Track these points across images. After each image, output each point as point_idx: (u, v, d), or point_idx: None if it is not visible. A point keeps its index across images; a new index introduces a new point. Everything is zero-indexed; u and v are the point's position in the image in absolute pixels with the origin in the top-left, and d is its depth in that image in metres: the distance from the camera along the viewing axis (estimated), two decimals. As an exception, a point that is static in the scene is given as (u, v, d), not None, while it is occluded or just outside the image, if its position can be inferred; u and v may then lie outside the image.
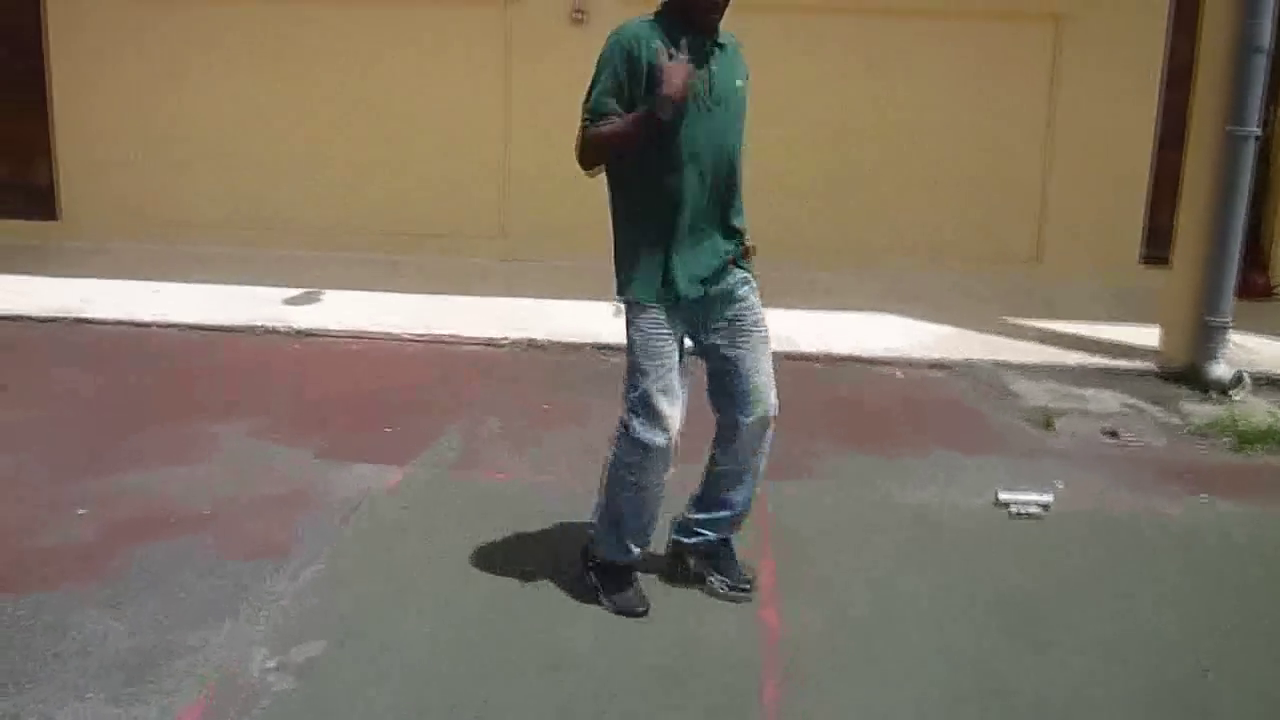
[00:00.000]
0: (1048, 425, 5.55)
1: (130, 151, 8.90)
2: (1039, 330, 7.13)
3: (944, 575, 3.85)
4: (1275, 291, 8.32)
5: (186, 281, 7.72)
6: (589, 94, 3.26)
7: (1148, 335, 6.73)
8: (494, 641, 3.33)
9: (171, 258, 8.30)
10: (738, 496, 3.60)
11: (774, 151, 8.03)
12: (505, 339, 6.62)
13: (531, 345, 6.59)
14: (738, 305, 3.43)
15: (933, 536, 4.15)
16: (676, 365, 3.38)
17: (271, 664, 3.18)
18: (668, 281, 3.31)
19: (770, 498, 4.18)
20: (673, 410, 3.36)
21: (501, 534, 4.04)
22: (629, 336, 3.39)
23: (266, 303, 7.26)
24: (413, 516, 4.20)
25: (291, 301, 7.36)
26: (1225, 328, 6.20)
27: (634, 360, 3.38)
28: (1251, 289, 8.18)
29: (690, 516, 3.68)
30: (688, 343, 3.46)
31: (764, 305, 3.51)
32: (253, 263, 8.26)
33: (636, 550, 3.55)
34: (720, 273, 3.39)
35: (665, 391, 3.34)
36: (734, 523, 3.65)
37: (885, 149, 8.41)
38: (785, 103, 8.19)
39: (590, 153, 3.28)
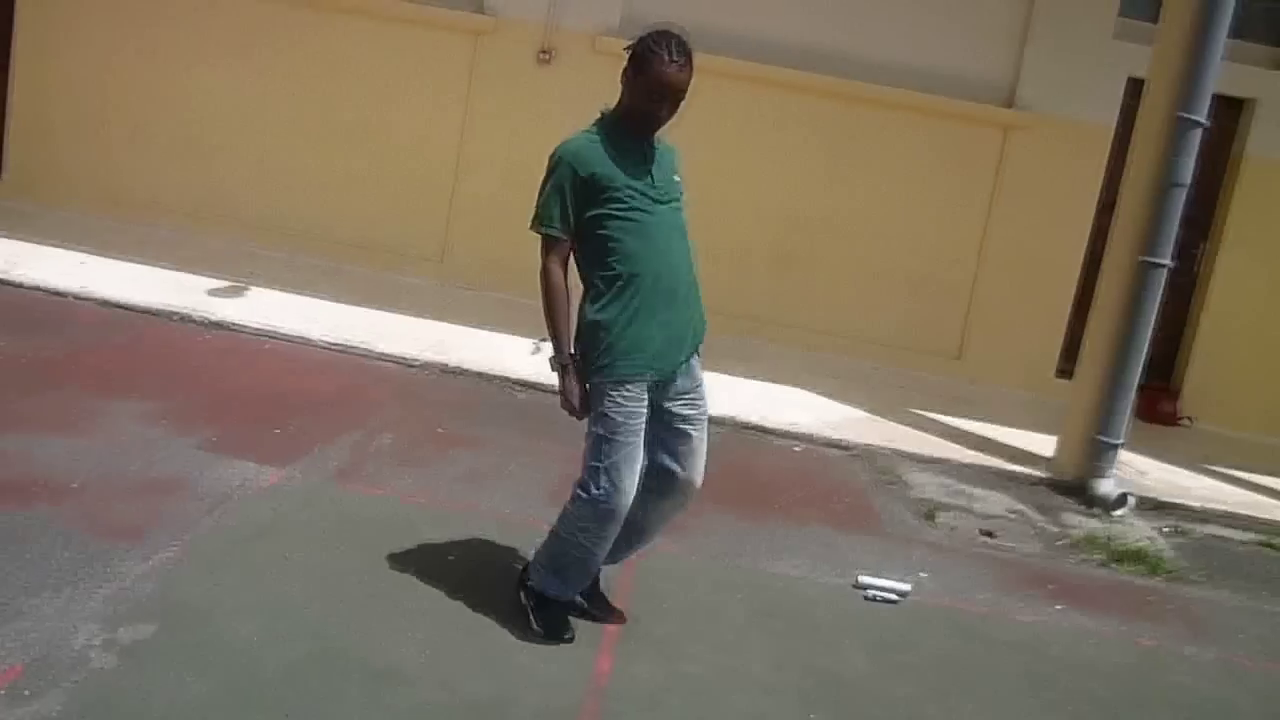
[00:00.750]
0: (929, 517, 5.66)
1: (84, 119, 8.90)
2: (945, 426, 7.28)
3: (786, 647, 3.91)
4: (1181, 421, 8.54)
5: (117, 258, 7.69)
6: (540, 200, 3.50)
7: (1047, 445, 6.89)
8: (323, 650, 3.35)
9: (109, 232, 8.26)
10: (638, 543, 3.80)
11: (725, 217, 8.21)
12: (419, 359, 6.66)
13: (444, 370, 6.63)
14: (694, 374, 3.65)
15: (786, 609, 4.23)
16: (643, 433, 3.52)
17: (97, 641, 3.19)
18: (655, 355, 3.48)
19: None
20: (635, 478, 3.50)
21: (361, 548, 4.07)
22: (606, 414, 3.46)
23: (191, 290, 7.25)
24: (278, 519, 4.21)
25: (216, 293, 7.36)
26: (1116, 448, 6.37)
27: (609, 435, 3.46)
28: (1158, 414, 8.42)
29: None
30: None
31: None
32: (191, 248, 8.25)
33: (577, 594, 3.71)
34: (694, 344, 3.62)
35: (632, 461, 3.48)
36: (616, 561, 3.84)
37: (831, 230, 8.58)
38: (743, 170, 8.39)
39: (544, 293, 3.52)
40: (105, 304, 6.77)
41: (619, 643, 3.72)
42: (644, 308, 3.45)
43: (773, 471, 6.01)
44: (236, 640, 3.32)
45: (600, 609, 3.85)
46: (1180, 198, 6.16)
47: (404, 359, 6.69)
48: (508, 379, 6.61)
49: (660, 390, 3.56)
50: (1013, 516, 5.96)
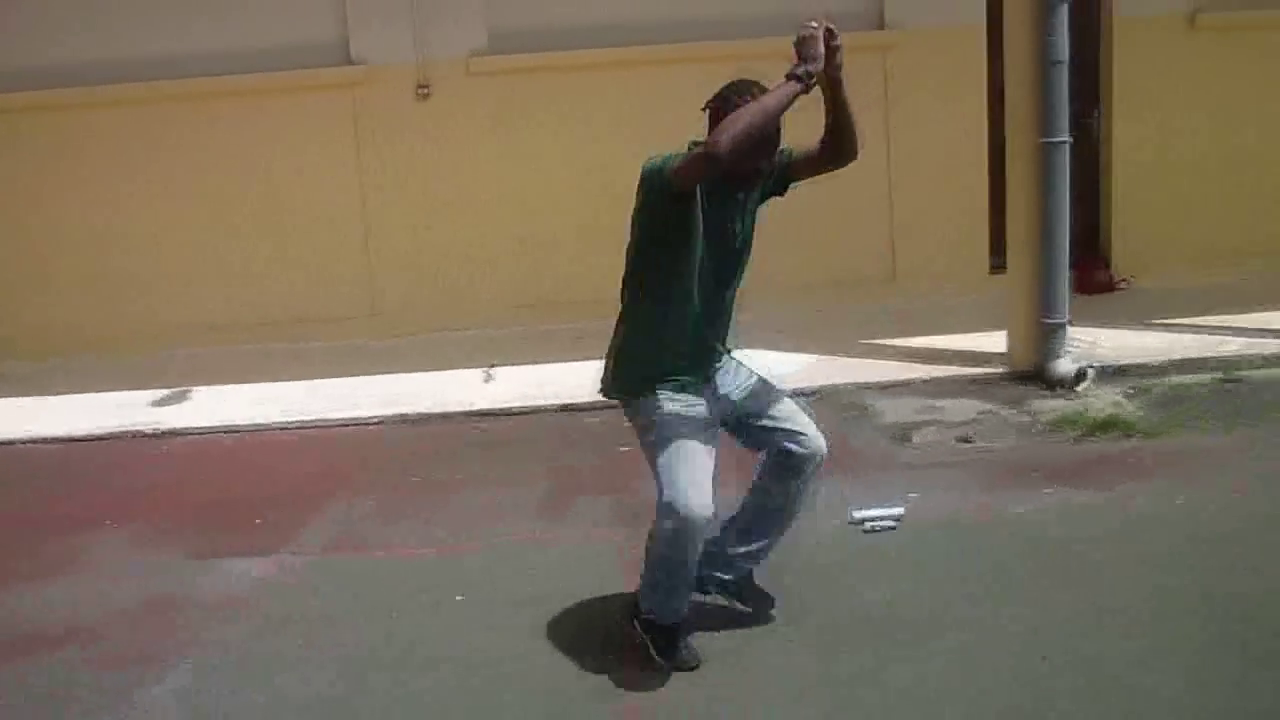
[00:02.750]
0: (904, 440, 5.77)
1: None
2: (898, 349, 7.39)
3: (799, 598, 3.98)
4: (1118, 285, 8.73)
5: (51, 394, 7.60)
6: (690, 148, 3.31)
7: (999, 342, 7.02)
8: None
9: (37, 373, 8.16)
10: (778, 528, 3.72)
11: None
12: (376, 417, 6.65)
13: (403, 420, 6.63)
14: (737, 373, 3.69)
15: (788, 561, 4.28)
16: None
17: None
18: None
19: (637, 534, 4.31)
20: (697, 476, 3.36)
21: (376, 614, 4.09)
22: (650, 421, 3.43)
23: (134, 406, 7.17)
24: (286, 608, 4.21)
25: (160, 403, 7.29)
26: (1063, 326, 6.51)
27: (656, 439, 3.42)
28: (1095, 285, 8.59)
29: (731, 550, 3.72)
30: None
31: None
32: (123, 369, 8.15)
33: (685, 610, 3.57)
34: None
35: (688, 460, 3.36)
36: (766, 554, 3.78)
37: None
38: (639, 146, 8.43)
39: (730, 127, 3.18)
40: (52, 441, 6.68)
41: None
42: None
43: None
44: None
45: (752, 596, 3.82)
46: (1063, 74, 6.30)
47: (361, 420, 6.68)
48: (468, 413, 6.63)
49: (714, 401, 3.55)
50: (984, 417, 6.08)
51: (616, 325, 3.62)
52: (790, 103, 3.19)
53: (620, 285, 3.61)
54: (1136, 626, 3.66)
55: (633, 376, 3.54)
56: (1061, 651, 3.52)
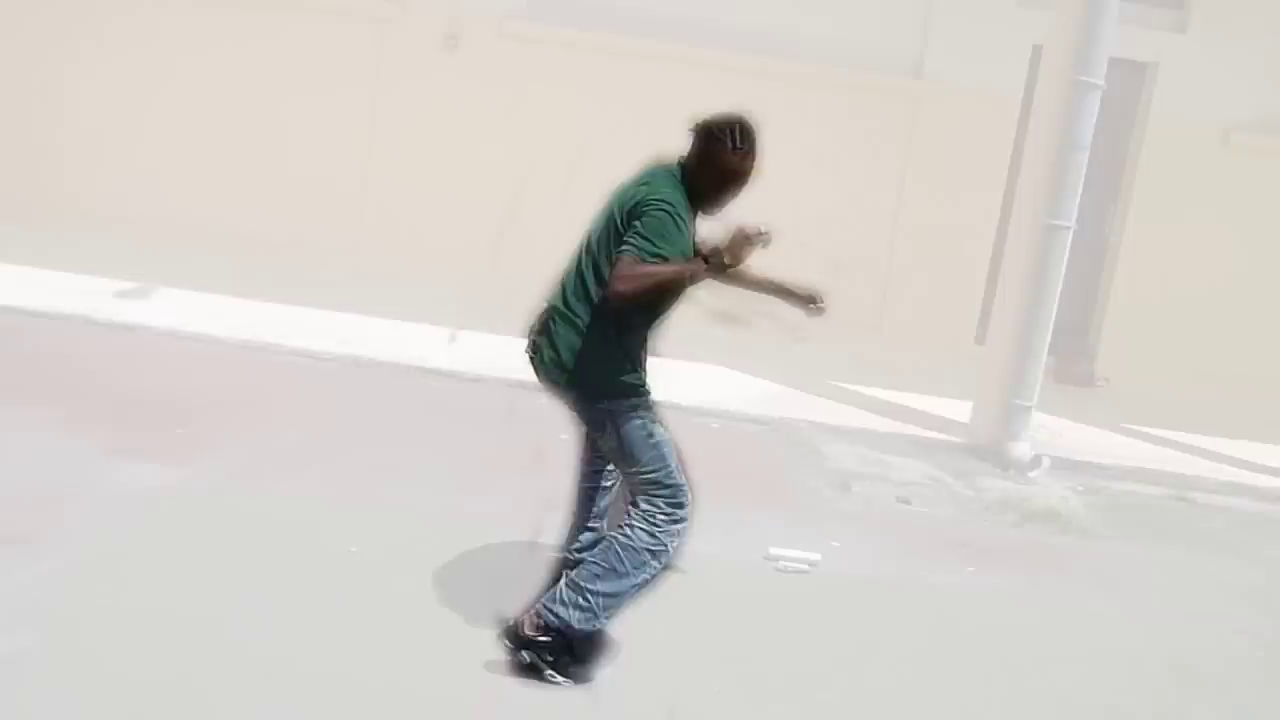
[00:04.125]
0: (845, 487, 5.69)
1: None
2: (864, 396, 7.32)
3: (688, 626, 3.90)
4: (1098, 381, 8.67)
5: (16, 264, 7.49)
6: (657, 244, 3.29)
7: (966, 411, 6.94)
8: (204, 661, 3.27)
9: (18, 237, 8.05)
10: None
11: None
12: (329, 353, 6.56)
13: (356, 363, 6.54)
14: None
15: (692, 587, 4.19)
16: None
17: (-27, 654, 3.09)
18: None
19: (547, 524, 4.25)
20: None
21: (259, 549, 3.99)
22: (636, 425, 3.44)
23: (95, 294, 7.07)
24: (174, 523, 4.12)
25: (122, 295, 7.19)
26: (1029, 410, 6.44)
27: (656, 454, 3.45)
28: (1074, 376, 8.54)
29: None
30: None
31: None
32: (102, 251, 8.07)
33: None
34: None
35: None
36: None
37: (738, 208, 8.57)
38: (645, 143, 8.33)
39: (632, 280, 3.25)
40: (5, 310, 6.58)
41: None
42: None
43: (686, 450, 5.98)
44: (116, 652, 3.23)
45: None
46: (1081, 161, 6.22)
47: (315, 354, 6.58)
48: (421, 369, 6.54)
49: None
50: (928, 482, 6.00)
51: (570, 326, 3.49)
52: (694, 282, 3.37)
53: (573, 287, 3.52)
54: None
55: (619, 384, 3.50)
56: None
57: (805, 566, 4.49)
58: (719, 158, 3.43)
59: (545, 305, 3.62)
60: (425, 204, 8.61)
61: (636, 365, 3.53)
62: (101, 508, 4.13)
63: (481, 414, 6.00)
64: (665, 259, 3.27)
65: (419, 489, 4.80)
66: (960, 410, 7.00)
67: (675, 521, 3.44)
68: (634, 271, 3.24)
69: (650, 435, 3.47)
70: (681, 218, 3.36)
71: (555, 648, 3.39)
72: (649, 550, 3.41)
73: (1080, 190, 6.32)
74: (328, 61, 8.58)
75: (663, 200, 3.34)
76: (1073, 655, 4.14)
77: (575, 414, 3.61)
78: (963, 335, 8.67)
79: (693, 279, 3.36)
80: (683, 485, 3.47)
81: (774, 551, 4.54)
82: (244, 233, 8.70)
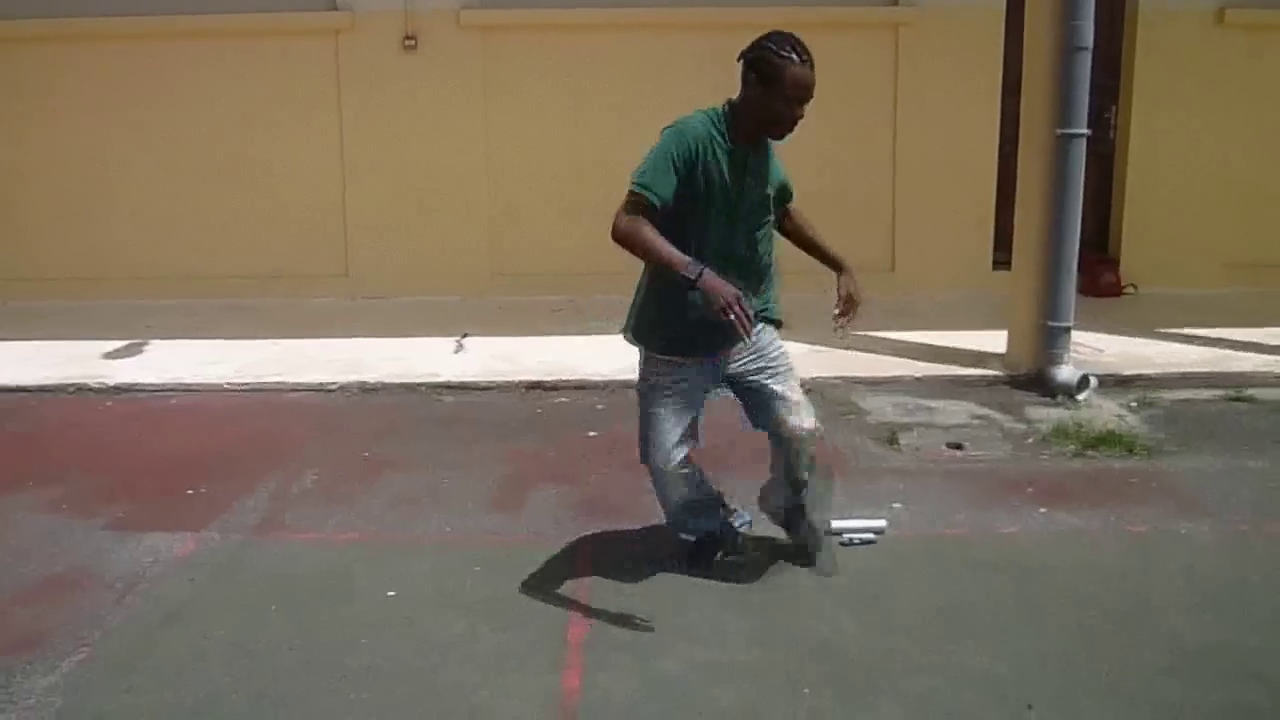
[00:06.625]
0: (892, 442, 5.40)
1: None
2: (892, 343, 7.03)
3: (766, 620, 3.63)
4: (1125, 289, 8.36)
5: (2, 339, 7.22)
6: (644, 167, 3.42)
7: (998, 342, 6.65)
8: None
9: (-6, 315, 7.80)
10: (791, 488, 3.97)
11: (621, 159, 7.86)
12: (335, 384, 6.28)
13: (363, 389, 6.26)
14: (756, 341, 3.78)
15: (759, 578, 3.93)
16: None
17: (4, 778, 2.83)
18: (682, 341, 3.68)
19: (590, 536, 4.08)
20: (664, 438, 3.72)
21: (291, 608, 3.72)
22: (639, 377, 3.77)
23: (85, 359, 6.79)
24: (196, 593, 3.84)
25: (111, 355, 6.92)
26: (1067, 330, 6.14)
27: (639, 399, 3.79)
28: (1102, 287, 8.23)
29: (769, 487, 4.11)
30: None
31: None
32: (83, 316, 7.81)
33: (705, 528, 3.99)
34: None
35: (657, 424, 3.74)
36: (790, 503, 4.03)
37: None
38: (634, 121, 7.99)
39: (625, 237, 3.38)
40: (-8, 391, 6.32)
41: (585, 653, 3.41)
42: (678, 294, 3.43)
43: (722, 427, 5.68)
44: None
45: (798, 533, 4.07)
46: (1086, 62, 5.89)
47: (320, 386, 6.31)
48: (432, 385, 6.27)
49: (719, 365, 3.70)
50: (977, 423, 5.72)
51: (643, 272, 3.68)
52: (667, 271, 3.36)
53: None
54: (1133, 683, 3.27)
55: (641, 330, 3.71)
56: (1048, 707, 3.14)
57: (872, 536, 4.20)
58: (784, 74, 3.38)
59: None
60: (409, 212, 8.29)
61: (665, 320, 3.59)
62: (119, 590, 3.85)
63: (502, 423, 5.73)
64: (646, 187, 3.38)
65: (450, 517, 4.51)
66: (994, 341, 6.71)
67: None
68: (625, 226, 3.38)
69: (642, 395, 3.72)
70: (684, 145, 3.41)
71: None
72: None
73: (1088, 93, 6.00)
74: (286, 84, 8.24)
75: (667, 128, 3.47)
76: (1173, 589, 3.85)
77: None
78: (980, 263, 8.35)
79: (669, 269, 3.33)
80: (644, 450, 3.74)
81: (836, 525, 4.24)
82: (226, 273, 8.41)
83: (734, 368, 3.70)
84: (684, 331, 3.56)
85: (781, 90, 3.40)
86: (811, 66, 3.42)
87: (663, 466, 3.73)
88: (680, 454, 3.72)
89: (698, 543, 3.99)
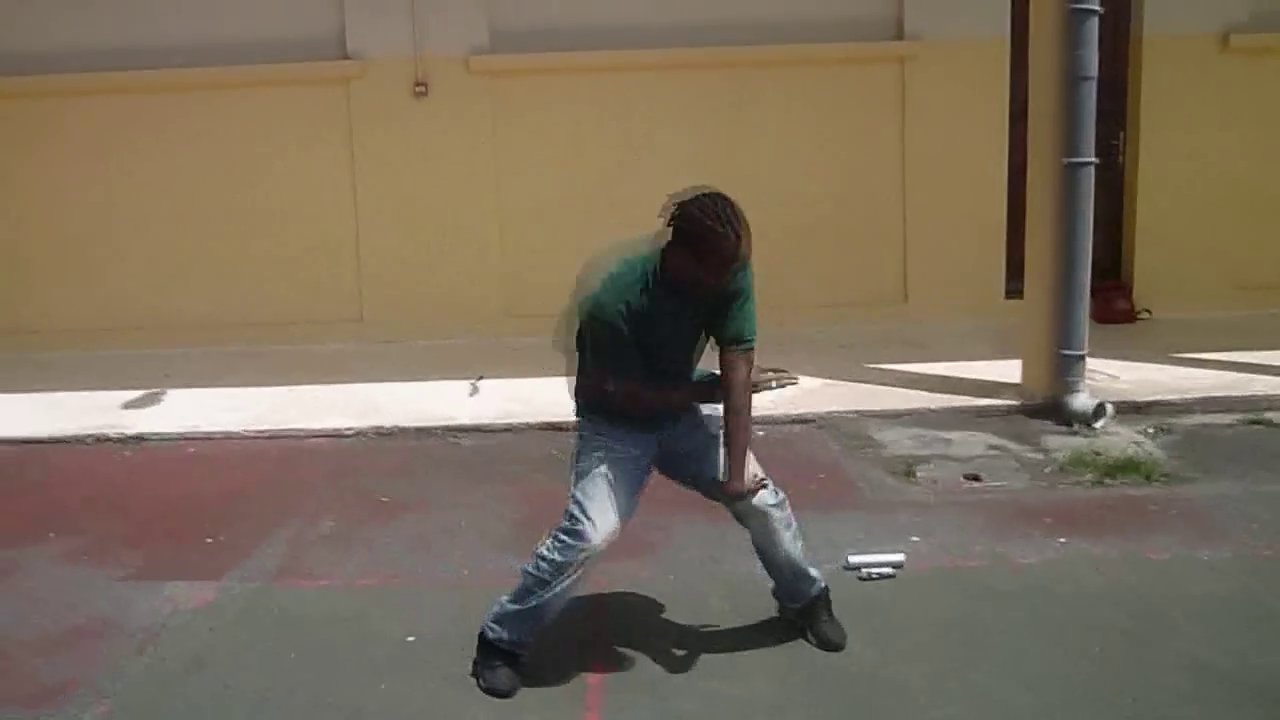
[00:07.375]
0: (908, 474, 5.39)
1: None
2: (906, 375, 7.02)
3: (784, 657, 3.61)
4: (1138, 314, 8.34)
5: (18, 392, 7.27)
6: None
7: (1013, 371, 6.64)
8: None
9: (9, 366, 7.83)
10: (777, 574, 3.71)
11: (636, 208, 7.89)
12: (351, 429, 6.30)
13: (379, 433, 6.28)
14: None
15: (776, 610, 3.92)
16: None
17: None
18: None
19: (605, 577, 4.01)
20: (595, 513, 3.44)
21: (311, 654, 3.72)
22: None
23: (101, 409, 6.83)
24: (215, 642, 3.85)
25: (130, 405, 6.95)
26: (1082, 358, 6.13)
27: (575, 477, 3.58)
28: (1114, 314, 8.21)
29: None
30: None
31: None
32: (98, 366, 7.84)
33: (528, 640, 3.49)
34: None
35: (591, 495, 3.49)
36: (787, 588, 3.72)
37: (746, 201, 8.28)
38: (643, 161, 8.04)
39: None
40: (11, 441, 6.35)
41: (605, 693, 3.41)
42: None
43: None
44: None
45: (815, 630, 3.71)
46: (1091, 91, 5.92)
47: (337, 431, 6.32)
48: (448, 428, 6.28)
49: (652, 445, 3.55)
50: (994, 453, 5.71)
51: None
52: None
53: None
54: (1156, 710, 3.25)
55: (580, 404, 3.63)
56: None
57: (890, 570, 4.19)
58: (720, 248, 3.19)
59: None
60: (422, 255, 8.34)
61: (599, 396, 3.48)
62: (140, 640, 3.86)
63: (520, 465, 5.72)
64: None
65: (469, 559, 4.52)
66: (1008, 371, 6.69)
67: (560, 544, 3.38)
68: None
69: (578, 460, 3.51)
70: (617, 315, 3.33)
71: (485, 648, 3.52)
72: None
73: (1094, 121, 6.02)
74: (298, 131, 8.32)
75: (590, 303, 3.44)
76: (1195, 614, 3.83)
77: None
78: (992, 292, 8.33)
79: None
80: (580, 516, 3.38)
81: (854, 560, 4.24)
82: (241, 320, 8.46)
83: (671, 449, 3.60)
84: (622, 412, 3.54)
85: (704, 260, 3.22)
86: (739, 238, 3.19)
87: (577, 542, 3.40)
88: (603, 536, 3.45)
89: (496, 649, 3.49)
